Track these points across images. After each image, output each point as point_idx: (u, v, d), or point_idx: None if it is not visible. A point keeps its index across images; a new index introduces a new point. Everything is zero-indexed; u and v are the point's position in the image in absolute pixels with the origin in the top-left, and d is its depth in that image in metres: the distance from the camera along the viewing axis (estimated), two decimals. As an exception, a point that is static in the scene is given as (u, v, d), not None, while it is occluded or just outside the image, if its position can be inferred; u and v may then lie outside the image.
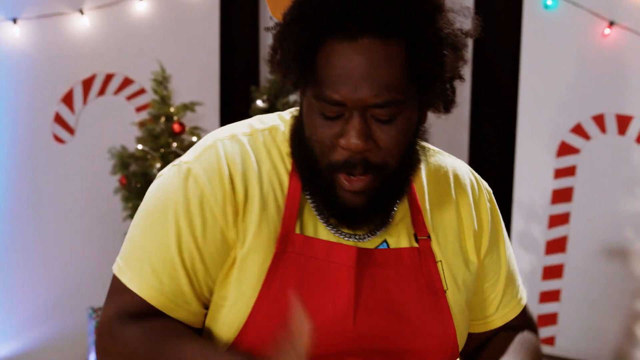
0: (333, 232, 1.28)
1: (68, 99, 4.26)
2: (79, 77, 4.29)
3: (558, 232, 4.40)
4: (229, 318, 1.25)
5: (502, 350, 1.40)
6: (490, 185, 4.56)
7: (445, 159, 1.44)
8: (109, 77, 4.33)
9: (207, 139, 1.31)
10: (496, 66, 5.37)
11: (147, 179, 3.67)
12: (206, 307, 1.28)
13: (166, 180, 1.28)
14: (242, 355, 1.19)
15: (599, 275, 4.33)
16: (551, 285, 4.44)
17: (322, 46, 1.18)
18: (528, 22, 4.39)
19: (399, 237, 1.31)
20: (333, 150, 1.21)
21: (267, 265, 1.23)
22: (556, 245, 4.42)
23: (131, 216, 3.80)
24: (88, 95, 4.31)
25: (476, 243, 1.38)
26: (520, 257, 4.46)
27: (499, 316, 1.45)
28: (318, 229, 1.27)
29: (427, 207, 1.35)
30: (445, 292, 1.31)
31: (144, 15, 4.36)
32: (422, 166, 1.37)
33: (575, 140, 4.31)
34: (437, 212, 1.36)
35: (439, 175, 1.39)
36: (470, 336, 1.43)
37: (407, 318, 1.28)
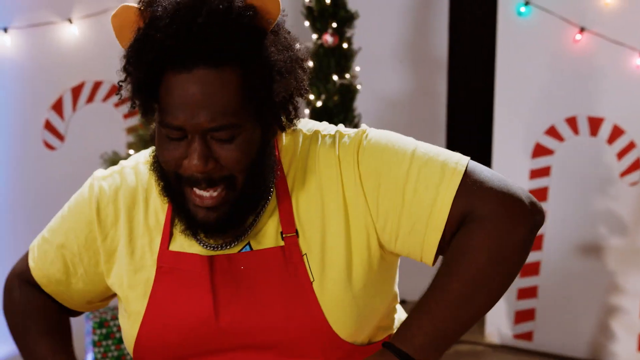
0: (200, 244, 1.39)
1: (58, 106, 4.30)
2: (68, 84, 4.32)
3: (534, 230, 4.48)
4: (125, 325, 1.46)
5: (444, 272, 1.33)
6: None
7: (310, 142, 1.43)
8: (97, 85, 4.37)
9: (122, 164, 1.52)
10: (472, 71, 5.46)
11: (138, 183, 3.73)
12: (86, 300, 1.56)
13: (84, 187, 1.53)
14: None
15: (574, 272, 4.41)
16: (528, 282, 4.50)
17: (162, 78, 1.27)
18: (502, 29, 4.44)
19: (264, 239, 1.37)
20: (179, 168, 1.30)
21: (152, 280, 1.41)
22: (533, 244, 4.49)
23: (122, 219, 3.87)
24: (77, 103, 4.34)
25: (352, 213, 1.36)
26: (498, 255, 4.56)
27: (426, 253, 1.37)
28: (188, 244, 1.40)
29: (298, 198, 1.38)
30: (311, 282, 1.34)
31: (131, 24, 4.41)
32: (297, 152, 1.41)
33: (549, 142, 4.39)
34: (304, 205, 1.38)
35: (308, 163, 1.40)
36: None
37: (273, 312, 1.34)
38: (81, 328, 4.20)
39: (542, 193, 4.43)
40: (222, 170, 1.29)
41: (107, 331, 3.69)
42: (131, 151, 3.88)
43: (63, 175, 4.30)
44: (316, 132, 1.43)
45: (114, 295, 1.54)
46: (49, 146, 4.31)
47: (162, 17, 1.25)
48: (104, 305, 1.61)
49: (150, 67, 1.26)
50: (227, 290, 1.37)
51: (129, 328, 1.44)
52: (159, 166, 1.35)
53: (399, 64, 5.35)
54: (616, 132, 4.22)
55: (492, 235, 1.30)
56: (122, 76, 1.33)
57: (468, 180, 1.32)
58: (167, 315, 1.39)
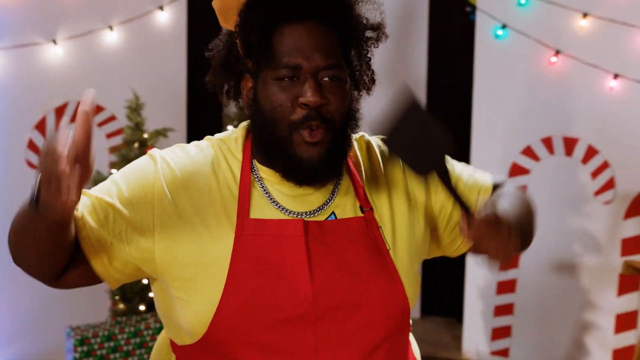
0: (284, 212, 1.47)
1: (41, 126, 4.33)
2: (52, 104, 4.35)
3: (511, 248, 4.52)
4: (202, 299, 1.41)
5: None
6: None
7: (366, 136, 1.66)
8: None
9: (181, 144, 1.57)
10: (450, 92, 5.52)
11: (121, 202, 3.77)
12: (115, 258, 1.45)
13: (141, 159, 1.53)
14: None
15: (549, 289, 4.47)
16: (505, 299, 4.55)
17: (275, 30, 1.43)
18: (480, 51, 4.51)
19: (345, 209, 1.51)
20: (292, 111, 1.43)
21: (230, 247, 1.42)
22: (509, 261, 4.54)
23: (106, 237, 3.90)
24: (61, 122, 4.37)
25: (412, 200, 1.58)
26: (475, 272, 4.60)
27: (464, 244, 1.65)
28: (270, 212, 1.47)
29: (367, 180, 1.56)
30: (388, 251, 1.50)
31: (115, 45, 4.45)
32: (356, 146, 1.60)
33: (525, 162, 4.45)
34: (373, 185, 1.56)
35: (370, 151, 1.62)
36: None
37: (359, 276, 1.45)
38: (62, 345, 4.23)
39: (518, 212, 4.47)
40: (328, 110, 1.44)
41: (89, 349, 3.70)
42: (114, 170, 3.92)
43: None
44: (364, 136, 1.65)
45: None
46: (32, 165, 4.33)
47: None
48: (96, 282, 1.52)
49: (267, 18, 1.43)
50: (319, 254, 1.45)
51: (206, 298, 1.40)
52: (262, 121, 1.45)
53: (378, 86, 5.42)
54: (590, 152, 4.30)
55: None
56: (236, 35, 1.48)
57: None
58: (257, 278, 1.40)
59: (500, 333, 4.60)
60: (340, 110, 1.45)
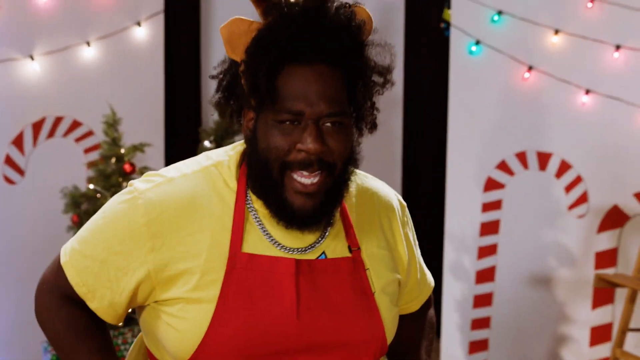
0: (276, 247, 1.46)
1: (18, 141, 4.35)
2: (29, 120, 4.37)
3: (487, 262, 4.54)
4: (189, 329, 1.42)
5: (416, 335, 1.74)
6: (422, 218, 4.89)
7: (370, 181, 1.66)
8: (58, 120, 4.42)
9: (165, 171, 1.53)
10: (425, 107, 5.57)
11: (99, 217, 3.77)
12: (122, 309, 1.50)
13: (120, 199, 1.48)
14: None
15: (525, 302, 4.49)
16: (482, 312, 4.57)
17: (282, 70, 1.40)
18: (454, 67, 4.53)
19: (335, 249, 1.52)
20: (289, 153, 1.41)
21: (220, 281, 1.42)
22: (485, 275, 4.55)
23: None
24: (38, 138, 4.38)
25: (396, 253, 1.63)
26: (452, 286, 4.62)
27: (416, 302, 1.75)
28: (263, 246, 1.46)
29: (357, 222, 1.57)
30: (373, 294, 1.52)
31: (92, 60, 4.47)
32: (353, 187, 1.58)
33: (500, 176, 4.49)
34: (364, 227, 1.57)
35: (366, 196, 1.61)
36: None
37: (344, 315, 1.47)
38: (39, 360, 4.25)
39: (493, 226, 4.52)
40: (329, 157, 1.42)
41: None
42: (91, 185, 3.93)
43: (23, 209, 4.34)
44: (365, 176, 1.67)
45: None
46: (9, 180, 4.35)
47: (289, 17, 1.41)
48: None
49: (275, 59, 1.39)
50: (307, 292, 1.46)
51: (194, 328, 1.42)
52: (257, 160, 1.44)
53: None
54: (564, 167, 4.35)
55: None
56: (242, 71, 1.45)
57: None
58: (244, 314, 1.41)
59: (477, 346, 4.61)
60: (342, 156, 1.44)
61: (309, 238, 1.49)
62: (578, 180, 4.33)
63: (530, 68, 4.35)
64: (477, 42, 4.43)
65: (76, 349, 1.48)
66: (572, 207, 4.37)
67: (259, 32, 1.43)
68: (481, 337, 4.61)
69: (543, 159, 4.40)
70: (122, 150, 3.93)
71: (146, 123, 4.57)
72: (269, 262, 1.45)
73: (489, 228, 4.53)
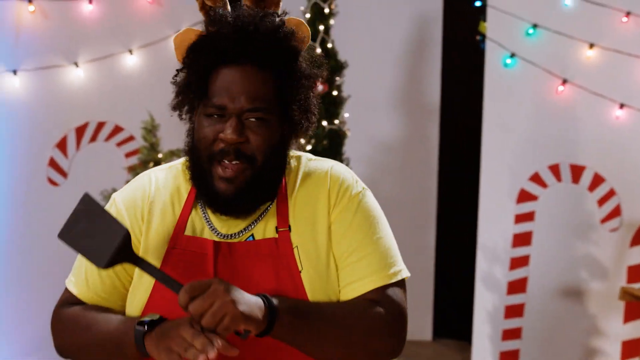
0: (213, 233, 1.62)
1: (62, 145, 4.48)
2: (73, 124, 4.51)
3: (519, 273, 4.56)
4: (135, 300, 1.62)
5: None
6: (456, 230, 4.95)
7: (319, 163, 1.72)
8: (100, 125, 4.55)
9: (136, 177, 1.76)
10: (461, 119, 5.61)
11: (136, 219, 3.89)
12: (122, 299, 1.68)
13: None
14: (133, 321, 1.54)
15: (556, 314, 4.50)
16: (513, 323, 4.59)
17: (214, 70, 1.57)
18: (489, 79, 4.58)
19: (265, 231, 1.62)
20: (214, 143, 1.56)
21: (161, 259, 1.61)
22: (517, 286, 4.57)
23: (119, 254, 4.01)
24: (81, 142, 4.52)
25: (329, 231, 1.62)
26: (483, 297, 4.65)
27: (350, 289, 1.60)
28: (202, 231, 1.63)
29: (295, 203, 1.65)
30: (300, 272, 1.58)
31: (134, 68, 4.59)
32: (300, 170, 1.69)
33: (533, 188, 4.51)
34: (300, 207, 1.64)
35: (310, 177, 1.68)
36: None
37: (265, 291, 1.53)
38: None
39: (526, 237, 4.54)
40: (247, 148, 1.56)
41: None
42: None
43: (66, 209, 4.44)
44: (318, 160, 1.73)
45: None
46: (53, 182, 4.48)
47: (221, 23, 1.58)
48: None
49: (208, 58, 1.56)
50: (226, 273, 1.58)
51: (137, 300, 1.61)
52: (193, 151, 1.61)
53: (392, 110, 5.52)
54: (597, 180, 4.36)
55: (380, 327, 1.59)
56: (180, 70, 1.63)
57: (390, 288, 1.62)
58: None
59: (508, 357, 4.62)
60: (261, 149, 1.56)
61: (242, 223, 1.62)
62: (611, 193, 4.33)
63: (564, 81, 4.37)
64: (512, 55, 4.46)
65: (88, 324, 1.63)
66: (604, 220, 4.37)
67: (197, 37, 1.60)
68: (512, 348, 4.62)
69: (576, 171, 4.42)
70: (160, 155, 4.04)
71: (184, 129, 4.65)
72: (200, 243, 1.60)
73: (522, 240, 4.55)
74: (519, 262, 4.57)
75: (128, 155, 4.61)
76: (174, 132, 4.50)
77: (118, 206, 1.69)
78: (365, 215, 1.66)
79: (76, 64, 4.46)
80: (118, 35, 4.56)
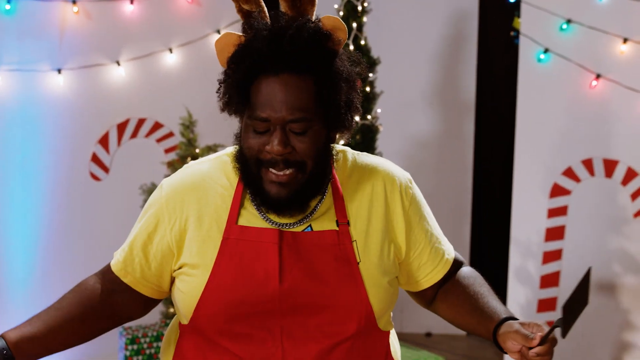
0: (267, 222, 1.67)
1: (104, 141, 4.61)
2: (114, 121, 4.63)
3: (551, 267, 4.58)
4: (189, 290, 1.68)
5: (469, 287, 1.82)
6: (489, 223, 5.00)
7: (369, 158, 1.82)
8: (141, 122, 4.67)
9: (189, 164, 1.80)
10: (496, 114, 5.63)
11: (174, 213, 3.99)
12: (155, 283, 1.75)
13: (155, 192, 1.78)
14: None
15: (589, 308, 4.37)
16: (546, 317, 4.58)
17: (254, 81, 1.60)
18: (523, 74, 4.60)
19: (323, 223, 1.70)
20: (260, 153, 1.62)
21: (217, 248, 1.65)
22: (550, 280, 4.59)
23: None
24: (122, 138, 4.64)
25: (390, 226, 1.75)
26: (516, 291, 4.67)
27: (426, 280, 1.83)
28: (255, 221, 1.68)
29: (350, 198, 1.73)
30: (358, 264, 1.67)
31: (173, 66, 4.71)
32: (350, 164, 1.77)
33: (566, 182, 4.53)
34: (356, 202, 1.73)
35: (363, 172, 1.77)
36: (414, 294, 1.88)
37: (326, 281, 1.64)
38: (115, 344, 4.48)
39: (559, 231, 4.56)
40: (295, 156, 1.61)
41: (139, 347, 3.94)
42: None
43: (107, 203, 4.60)
44: (363, 155, 1.82)
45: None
46: (95, 177, 4.60)
47: (261, 32, 1.61)
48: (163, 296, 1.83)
49: (247, 70, 1.60)
50: (291, 260, 1.65)
51: (192, 289, 1.66)
52: (241, 156, 1.66)
53: (428, 106, 5.57)
54: (630, 174, 4.37)
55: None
56: (222, 79, 1.68)
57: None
58: (234, 277, 1.63)
59: (540, 351, 4.64)
60: (309, 155, 1.61)
61: (298, 215, 1.69)
62: (645, 187, 4.34)
63: (598, 76, 4.38)
64: (546, 50, 4.48)
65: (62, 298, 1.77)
66: (637, 214, 4.37)
67: (236, 48, 1.64)
68: (545, 342, 4.63)
69: (609, 166, 4.42)
70: (197, 151, 4.14)
71: (220, 125, 4.74)
72: (257, 232, 1.66)
73: (555, 234, 4.57)
74: (551, 256, 4.58)
75: (167, 151, 4.72)
76: (211, 128, 4.64)
77: (165, 191, 1.74)
78: (422, 204, 1.83)
79: (118, 63, 4.57)
80: (158, 35, 4.67)
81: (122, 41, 4.60)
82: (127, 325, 4.28)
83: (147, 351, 3.95)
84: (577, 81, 4.46)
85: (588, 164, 4.48)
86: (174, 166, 4.18)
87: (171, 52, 4.68)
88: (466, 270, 1.88)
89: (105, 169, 4.62)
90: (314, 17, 1.68)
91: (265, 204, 1.65)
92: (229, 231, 1.67)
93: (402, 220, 1.76)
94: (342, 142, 4.21)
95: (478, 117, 5.65)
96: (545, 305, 4.62)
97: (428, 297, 1.88)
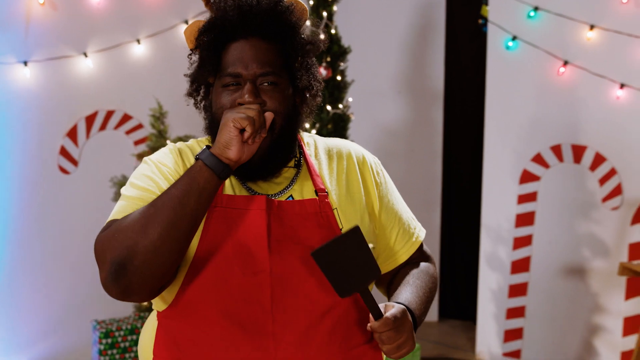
0: (250, 192, 1.71)
1: (72, 134, 4.55)
2: (83, 113, 4.57)
3: (522, 253, 4.64)
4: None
5: (406, 277, 1.84)
6: (460, 211, 5.10)
7: (340, 142, 1.91)
8: (109, 114, 4.62)
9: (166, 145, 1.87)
10: (465, 102, 5.67)
11: (146, 205, 3.97)
12: None
13: (161, 150, 1.79)
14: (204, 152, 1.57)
15: (559, 292, 4.58)
16: (517, 302, 4.68)
17: (224, 47, 1.70)
18: (492, 62, 4.66)
19: (302, 193, 1.75)
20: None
21: (204, 217, 1.62)
22: (521, 265, 4.65)
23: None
24: (91, 130, 4.59)
25: (367, 200, 1.82)
26: (488, 277, 4.73)
27: (401, 253, 1.88)
28: (240, 191, 1.71)
29: (325, 173, 1.81)
30: (340, 230, 1.72)
31: (141, 57, 4.67)
32: (322, 146, 1.86)
33: (536, 169, 4.58)
34: (331, 175, 1.81)
35: (333, 150, 1.86)
36: (384, 276, 1.91)
37: (311, 247, 1.66)
38: (88, 338, 4.46)
39: (529, 217, 4.62)
40: (265, 109, 1.66)
41: (113, 341, 3.91)
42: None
43: (76, 197, 4.56)
44: (333, 139, 1.91)
45: None
46: (64, 170, 4.55)
47: (227, 8, 1.70)
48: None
49: (218, 38, 1.69)
50: (277, 228, 1.68)
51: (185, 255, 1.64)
52: (212, 123, 1.71)
53: (397, 95, 5.59)
54: (598, 159, 4.42)
55: (435, 271, 1.95)
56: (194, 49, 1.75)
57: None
58: (222, 243, 1.64)
59: (512, 335, 4.72)
60: (278, 109, 1.68)
61: (278, 186, 1.73)
62: (612, 172, 4.39)
63: (565, 63, 4.43)
64: (514, 38, 4.53)
65: (160, 195, 1.58)
66: (606, 199, 4.43)
67: (205, 21, 1.72)
68: (516, 326, 4.71)
69: (578, 151, 4.48)
70: (168, 142, 4.11)
71: (190, 116, 4.72)
72: (245, 200, 1.68)
73: (525, 219, 4.62)
74: (522, 242, 4.64)
75: (137, 142, 4.69)
76: (182, 119, 4.62)
77: (152, 161, 1.73)
78: (392, 183, 1.91)
79: (85, 54, 4.52)
80: (126, 26, 4.63)
81: (89, 32, 4.55)
82: (100, 319, 4.25)
83: (122, 344, 3.92)
84: (545, 68, 4.51)
85: (557, 150, 4.53)
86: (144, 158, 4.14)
87: (139, 43, 4.64)
88: (424, 265, 1.92)
89: (74, 162, 4.57)
90: None
91: (237, 171, 1.69)
92: (216, 200, 1.67)
93: (377, 196, 1.83)
94: (313, 131, 4.22)
95: (447, 104, 5.68)
96: (517, 290, 4.68)
97: (385, 281, 1.93)
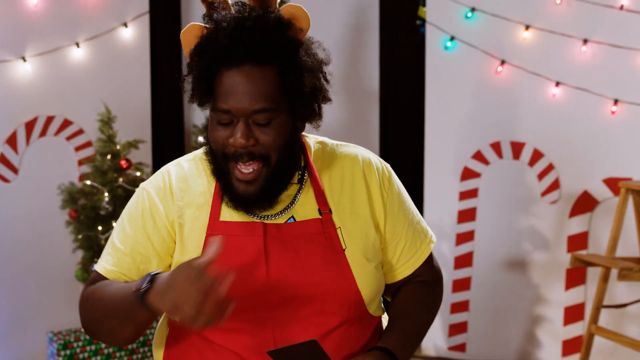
0: (250, 216, 1.66)
1: (12, 141, 4.41)
2: (22, 119, 4.43)
3: (465, 248, 4.72)
4: None
5: (402, 307, 1.78)
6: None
7: (347, 148, 1.81)
8: (49, 119, 4.49)
9: (163, 167, 1.77)
10: (402, 102, 5.72)
11: (96, 212, 3.90)
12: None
13: (131, 199, 1.75)
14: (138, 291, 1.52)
15: (502, 285, 4.67)
16: (460, 297, 4.75)
17: (217, 74, 1.59)
18: (430, 62, 4.72)
19: (304, 212, 1.69)
20: (226, 147, 1.60)
21: (201, 247, 1.65)
22: (463, 260, 4.73)
23: (81, 246, 4.03)
24: (31, 137, 4.45)
25: (372, 213, 1.74)
26: (432, 273, 4.78)
27: (402, 269, 1.80)
28: (237, 216, 1.66)
29: (330, 187, 1.73)
30: (344, 250, 1.67)
31: (81, 61, 4.56)
32: (330, 154, 1.77)
33: (476, 166, 4.67)
34: (337, 190, 1.73)
35: (341, 161, 1.77)
36: (387, 286, 1.82)
37: (313, 270, 1.64)
38: (42, 351, 4.32)
39: (470, 213, 4.71)
40: (260, 149, 1.58)
41: (72, 352, 3.82)
42: (88, 181, 4.02)
43: (18, 206, 4.42)
44: (342, 145, 1.81)
45: None
46: (4, 179, 4.40)
47: (221, 24, 1.59)
48: None
49: (210, 63, 1.58)
50: (276, 252, 1.64)
51: None
52: (210, 149, 1.64)
53: (332, 96, 5.60)
54: (536, 155, 4.54)
55: (438, 294, 1.87)
56: (186, 72, 1.66)
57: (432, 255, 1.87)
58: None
59: (456, 329, 4.79)
60: (273, 147, 1.59)
61: (279, 206, 1.68)
62: (550, 168, 4.51)
63: (502, 62, 4.53)
64: (452, 38, 4.61)
65: (110, 293, 1.63)
66: (544, 193, 4.55)
67: (198, 40, 1.63)
68: (460, 320, 4.78)
69: (517, 148, 4.58)
70: (118, 147, 4.04)
71: (135, 120, 4.66)
72: (241, 227, 1.65)
73: (466, 216, 4.71)
74: (464, 238, 4.73)
75: (78, 148, 4.57)
76: (126, 123, 4.55)
77: (146, 194, 1.72)
78: (402, 191, 1.83)
79: (23, 59, 4.40)
80: (64, 29, 4.51)
81: (27, 36, 4.42)
82: (56, 330, 4.13)
83: (81, 355, 3.83)
84: (483, 67, 4.60)
85: (496, 147, 4.62)
86: (93, 163, 4.06)
87: (78, 46, 4.54)
88: (424, 294, 1.83)
89: (15, 170, 4.43)
90: (277, 6, 1.67)
91: (233, 200, 1.64)
92: (212, 228, 1.66)
93: (382, 210, 1.75)
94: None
95: (383, 105, 5.73)
96: (460, 285, 4.76)
97: (393, 290, 1.87)
